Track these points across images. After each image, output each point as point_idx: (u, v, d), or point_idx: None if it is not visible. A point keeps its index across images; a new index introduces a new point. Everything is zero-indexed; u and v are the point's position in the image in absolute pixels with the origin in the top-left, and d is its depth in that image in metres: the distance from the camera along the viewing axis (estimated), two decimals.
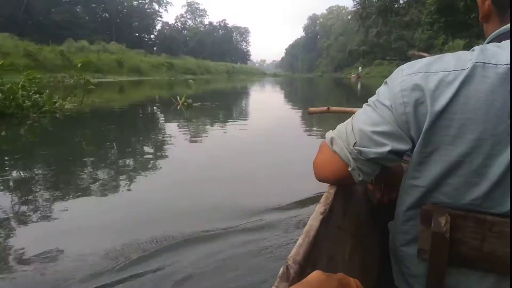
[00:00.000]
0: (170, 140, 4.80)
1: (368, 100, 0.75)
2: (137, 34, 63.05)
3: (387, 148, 0.67)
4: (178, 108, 7.95)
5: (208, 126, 6.22)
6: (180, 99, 8.13)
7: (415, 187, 0.68)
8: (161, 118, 7.62)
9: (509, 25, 0.65)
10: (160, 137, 5.12)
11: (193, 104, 8.20)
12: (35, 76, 6.62)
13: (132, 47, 41.17)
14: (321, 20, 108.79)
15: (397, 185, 0.81)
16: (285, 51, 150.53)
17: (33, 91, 6.19)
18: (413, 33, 47.49)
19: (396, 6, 14.31)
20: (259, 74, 65.02)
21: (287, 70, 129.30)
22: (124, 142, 4.75)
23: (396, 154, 0.69)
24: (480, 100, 0.58)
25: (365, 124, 0.71)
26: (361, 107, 0.77)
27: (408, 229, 0.73)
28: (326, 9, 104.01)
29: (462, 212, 0.63)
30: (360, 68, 50.52)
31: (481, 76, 0.59)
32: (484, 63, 0.59)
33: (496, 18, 0.70)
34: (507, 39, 0.63)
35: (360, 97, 14.67)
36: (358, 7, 14.42)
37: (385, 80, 0.74)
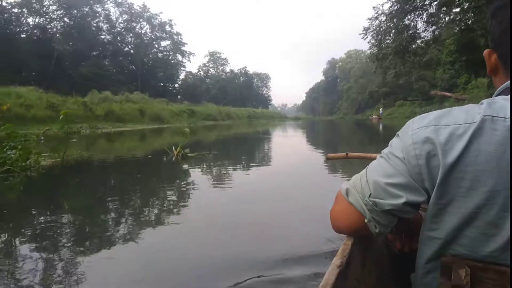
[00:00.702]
0: (164, 197, 4.27)
1: (382, 151, 0.77)
2: (161, 84, 65.40)
3: (402, 200, 0.69)
4: (174, 159, 7.09)
5: (206, 176, 5.71)
6: (181, 148, 7.33)
7: (433, 238, 0.68)
8: (150, 172, 6.25)
9: None
10: (146, 196, 4.31)
11: (189, 154, 7.29)
12: (14, 131, 6.11)
13: (156, 96, 42.65)
14: (340, 64, 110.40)
15: (418, 234, 0.79)
16: (305, 94, 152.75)
17: (9, 147, 5.52)
18: (434, 72, 47.27)
19: (413, 46, 14.10)
20: (280, 118, 65.53)
21: (308, 113, 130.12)
22: (101, 205, 3.82)
23: (411, 205, 0.70)
24: (491, 153, 0.60)
25: (379, 176, 0.73)
26: (382, 151, 0.79)
27: (429, 281, 0.71)
28: (345, 53, 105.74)
29: (482, 264, 0.63)
30: (380, 109, 50.76)
31: (490, 129, 0.61)
32: (493, 116, 0.61)
33: (503, 71, 0.72)
34: None
35: (383, 138, 14.16)
36: (374, 49, 14.30)
37: (397, 133, 0.75)
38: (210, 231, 2.86)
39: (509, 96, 0.65)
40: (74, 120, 12.63)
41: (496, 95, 0.71)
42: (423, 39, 14.09)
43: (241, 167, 6.78)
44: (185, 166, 6.59)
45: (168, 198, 4.13)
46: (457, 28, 15.36)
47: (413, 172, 0.67)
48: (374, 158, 0.80)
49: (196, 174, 5.86)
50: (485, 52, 0.75)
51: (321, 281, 0.65)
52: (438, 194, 0.64)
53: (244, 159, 8.12)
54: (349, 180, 0.83)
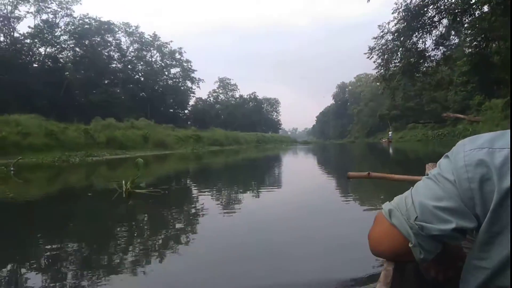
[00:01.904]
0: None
1: (428, 173, 0.74)
2: (171, 110, 65.90)
3: (451, 225, 0.65)
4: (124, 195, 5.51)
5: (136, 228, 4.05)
6: (131, 183, 5.70)
7: (480, 268, 0.65)
8: (69, 218, 4.61)
9: None
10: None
11: (139, 191, 5.66)
12: None
13: (166, 122, 42.73)
14: (349, 87, 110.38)
15: (453, 262, 0.82)
16: (316, 118, 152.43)
17: None
18: (445, 94, 46.47)
19: (424, 65, 13.38)
20: (290, 142, 64.94)
21: (319, 137, 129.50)
22: None
23: (460, 232, 0.66)
24: None
25: (427, 198, 0.69)
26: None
27: None
28: (354, 77, 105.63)
29: None
30: (390, 132, 48.98)
31: None
32: None
33: None
34: None
35: (392, 160, 14.29)
36: (381, 69, 13.60)
37: (445, 154, 0.73)
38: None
39: None
40: (73, 148, 12.28)
41: None
42: (433, 58, 13.45)
43: (202, 213, 4.69)
44: (123, 209, 5.07)
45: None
46: (469, 50, 14.81)
47: (464, 196, 0.64)
48: (397, 180, 0.88)
49: (133, 221, 4.37)
50: None
51: None
52: (490, 221, 0.61)
53: (221, 198, 6.02)
54: (391, 201, 0.77)
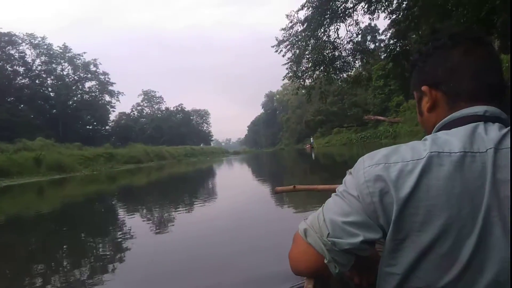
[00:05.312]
0: None
1: (336, 189, 0.78)
2: (89, 127, 60.62)
3: (359, 239, 0.69)
4: None
5: None
6: None
7: (391, 274, 0.70)
8: None
9: (456, 113, 0.74)
10: None
11: None
12: None
13: (84, 141, 38.50)
14: (277, 96, 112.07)
15: (373, 268, 0.85)
16: (247, 128, 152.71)
17: None
18: (365, 98, 48.21)
19: (337, 62, 12.04)
20: (220, 153, 63.06)
21: (252, 146, 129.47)
22: None
23: (368, 243, 0.71)
24: (440, 187, 0.62)
25: (336, 215, 0.73)
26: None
27: None
28: (281, 86, 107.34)
29: None
30: (311, 139, 52.86)
31: (438, 164, 0.64)
32: (439, 152, 0.65)
33: (444, 106, 0.77)
34: (456, 126, 0.71)
35: (319, 165, 15.45)
36: (293, 66, 12.07)
37: (349, 171, 0.77)
38: None
39: (451, 130, 0.71)
40: None
41: (437, 130, 0.76)
42: (348, 51, 12.27)
43: None
44: None
45: None
46: (383, 55, 14.23)
47: (368, 210, 0.69)
48: (321, 190, 0.86)
49: None
50: (424, 88, 0.79)
51: None
52: (394, 230, 0.66)
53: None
54: (305, 219, 0.82)
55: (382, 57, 16.44)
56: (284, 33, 12.06)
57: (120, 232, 5.06)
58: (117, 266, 3.36)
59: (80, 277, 3.15)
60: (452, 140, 0.66)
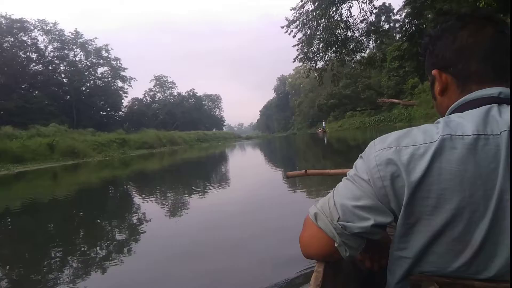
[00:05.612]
0: None
1: (347, 173, 0.77)
2: (103, 113, 61.07)
3: (370, 222, 0.69)
4: None
5: None
6: None
7: (402, 258, 0.70)
8: None
9: (470, 94, 0.72)
10: None
11: None
12: None
13: (98, 127, 38.89)
14: (289, 80, 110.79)
15: (385, 251, 0.85)
16: (259, 113, 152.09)
17: None
18: (379, 81, 47.17)
19: (351, 40, 11.53)
20: (232, 138, 63.06)
21: (264, 131, 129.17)
22: None
23: (379, 227, 0.71)
24: (453, 171, 0.62)
25: (347, 199, 0.73)
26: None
27: None
28: (293, 69, 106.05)
29: (450, 280, 0.65)
30: (323, 123, 51.97)
31: (450, 147, 0.63)
32: (451, 135, 0.64)
33: (455, 89, 0.75)
34: (469, 108, 0.69)
35: (326, 146, 15.68)
36: (304, 47, 11.64)
37: (360, 155, 0.76)
38: None
39: (464, 113, 0.69)
40: None
41: (450, 113, 0.74)
42: (362, 31, 11.71)
43: None
44: None
45: None
46: (398, 36, 13.66)
47: (379, 194, 0.68)
48: (333, 174, 0.85)
49: None
50: (434, 72, 0.78)
51: None
52: (405, 214, 0.66)
53: None
54: (316, 203, 0.81)
55: (397, 38, 15.92)
56: (294, 12, 11.59)
57: (136, 216, 5.26)
58: (133, 248, 3.54)
59: (98, 259, 3.32)
60: (465, 122, 0.65)
